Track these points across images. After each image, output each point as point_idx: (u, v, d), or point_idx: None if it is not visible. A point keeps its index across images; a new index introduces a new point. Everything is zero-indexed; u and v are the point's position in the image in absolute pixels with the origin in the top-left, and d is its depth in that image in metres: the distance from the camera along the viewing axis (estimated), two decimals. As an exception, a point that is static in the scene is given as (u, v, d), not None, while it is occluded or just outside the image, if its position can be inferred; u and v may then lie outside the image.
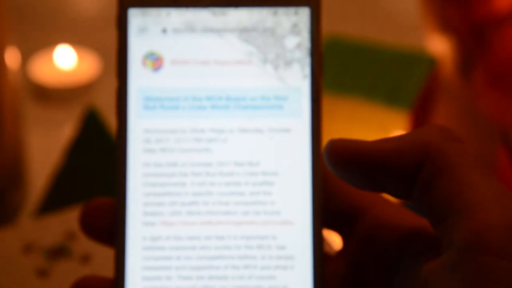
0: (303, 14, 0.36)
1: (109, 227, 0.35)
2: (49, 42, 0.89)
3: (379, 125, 0.69)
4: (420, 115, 0.72)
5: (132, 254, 0.35)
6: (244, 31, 0.36)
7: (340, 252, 0.35)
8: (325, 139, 0.69)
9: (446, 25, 0.74)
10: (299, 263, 0.34)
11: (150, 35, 0.36)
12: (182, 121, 0.35)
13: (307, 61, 0.35)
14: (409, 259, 0.32)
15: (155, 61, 0.36)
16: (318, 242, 0.35)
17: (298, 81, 0.35)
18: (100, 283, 0.35)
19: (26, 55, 0.86)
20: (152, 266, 0.35)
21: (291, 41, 0.36)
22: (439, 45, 0.76)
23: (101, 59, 0.88)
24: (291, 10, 0.36)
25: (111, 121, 0.64)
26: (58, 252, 0.51)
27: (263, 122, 0.35)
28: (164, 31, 0.36)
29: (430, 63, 0.72)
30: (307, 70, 0.35)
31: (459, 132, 0.79)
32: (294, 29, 0.36)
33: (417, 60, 0.72)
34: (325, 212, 0.35)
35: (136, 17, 0.36)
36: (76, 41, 0.90)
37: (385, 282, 0.33)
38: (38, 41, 0.90)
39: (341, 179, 0.33)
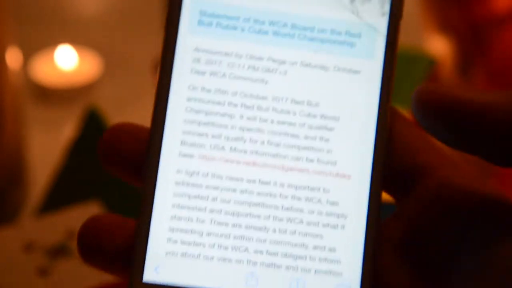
0: None
1: (136, 155, 0.30)
2: (50, 42, 0.89)
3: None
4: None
5: (163, 187, 0.30)
6: None
7: (394, 216, 0.31)
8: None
9: (446, 25, 0.74)
10: (351, 223, 0.30)
11: None
12: (239, 44, 0.31)
13: None
14: (483, 231, 0.28)
15: None
16: (376, 202, 0.30)
17: (375, 18, 0.31)
18: (116, 221, 0.30)
19: (27, 55, 0.86)
20: (184, 204, 0.30)
21: None
22: (438, 45, 0.76)
23: (102, 59, 0.88)
24: None
25: (113, 121, 0.64)
26: (59, 251, 0.51)
27: (329, 59, 0.31)
28: None
29: (430, 63, 0.72)
30: (387, 8, 0.32)
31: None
32: None
33: (417, 60, 0.72)
34: (386, 170, 0.31)
35: None
36: (77, 41, 0.90)
37: (450, 257, 0.29)
38: (39, 41, 0.90)
39: (427, 131, 0.28)
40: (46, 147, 0.76)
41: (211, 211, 0.30)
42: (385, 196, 0.31)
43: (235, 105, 0.31)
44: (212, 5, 0.32)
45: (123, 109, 0.79)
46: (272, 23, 0.32)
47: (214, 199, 0.31)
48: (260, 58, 0.31)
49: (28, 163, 0.70)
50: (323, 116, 0.31)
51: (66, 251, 0.51)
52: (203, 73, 0.31)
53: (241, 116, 0.31)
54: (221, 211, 0.30)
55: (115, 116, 0.68)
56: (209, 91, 0.31)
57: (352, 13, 0.32)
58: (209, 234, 0.30)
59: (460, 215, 0.29)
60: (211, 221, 0.30)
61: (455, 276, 0.28)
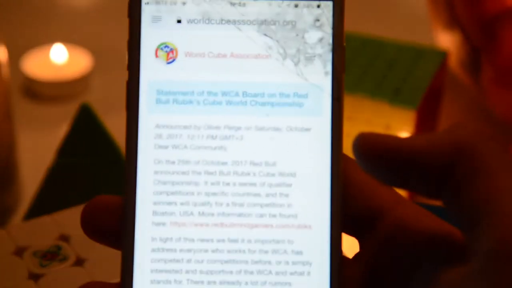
0: (326, 8, 0.35)
1: (114, 228, 0.34)
2: (41, 39, 0.89)
3: (384, 125, 0.68)
4: (427, 114, 0.72)
5: (140, 255, 0.34)
6: (263, 24, 0.35)
7: (357, 256, 0.34)
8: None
9: (454, 21, 0.74)
10: (316, 269, 0.34)
11: (164, 25, 0.35)
12: (196, 117, 0.34)
13: (329, 57, 0.34)
14: (430, 265, 0.32)
15: (168, 52, 0.35)
16: (336, 247, 0.34)
17: (319, 78, 0.34)
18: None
19: (18, 52, 0.86)
20: (161, 268, 0.34)
21: (313, 36, 0.35)
22: (446, 42, 0.76)
23: (92, 55, 0.88)
24: (313, 3, 0.35)
25: (105, 117, 0.63)
26: (52, 255, 0.51)
27: (281, 120, 0.34)
28: (179, 21, 0.35)
29: (438, 59, 0.72)
30: (329, 67, 0.35)
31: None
32: (316, 23, 0.35)
33: (425, 56, 0.72)
34: (344, 216, 0.34)
35: (150, 6, 0.35)
36: (67, 38, 0.90)
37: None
38: (30, 38, 0.90)
39: (368, 173, 0.32)
40: (37, 146, 0.76)
41: (187, 271, 0.34)
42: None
43: (199, 173, 0.34)
44: (167, 83, 0.34)
45: (114, 103, 0.79)
46: (224, 93, 0.34)
47: (189, 260, 0.34)
48: (217, 127, 0.34)
49: (18, 163, 0.70)
50: (281, 174, 0.34)
51: (59, 255, 0.51)
52: (166, 147, 0.34)
53: (206, 183, 0.34)
54: (196, 271, 0.34)
55: (106, 110, 0.68)
56: (173, 162, 0.34)
57: (297, 75, 0.35)
58: None
59: (411, 252, 0.32)
60: (188, 281, 0.34)
61: None
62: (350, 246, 0.36)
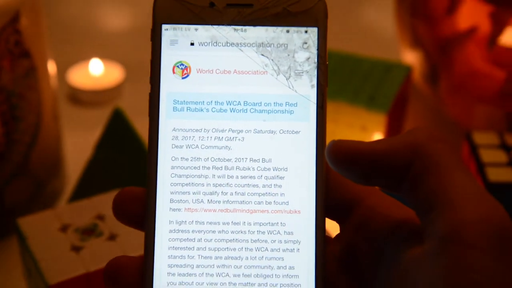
0: (312, 33, 0.35)
1: (139, 213, 0.34)
2: (82, 56, 0.89)
3: (361, 126, 0.68)
4: (396, 117, 0.72)
5: (160, 235, 0.34)
6: (261, 46, 0.35)
7: (337, 236, 0.35)
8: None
9: (417, 42, 0.74)
10: (304, 247, 0.34)
11: (180, 47, 0.35)
12: (205, 122, 0.35)
13: (314, 73, 0.35)
14: (394, 245, 0.32)
15: (183, 69, 0.35)
16: (321, 229, 0.34)
17: (307, 90, 0.35)
18: (130, 261, 0.34)
19: (65, 67, 0.86)
20: (177, 246, 0.34)
21: (301, 56, 0.35)
22: (411, 58, 0.76)
23: (124, 68, 0.88)
24: (302, 29, 0.35)
25: (134, 119, 0.63)
26: (90, 231, 0.51)
27: (275, 125, 0.35)
28: (192, 44, 0.35)
29: (404, 72, 0.72)
30: (314, 81, 0.35)
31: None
32: (304, 46, 0.35)
33: (393, 70, 0.72)
34: (326, 203, 0.34)
35: (169, 31, 0.35)
36: (103, 54, 0.90)
37: (373, 265, 0.32)
38: (73, 55, 0.90)
39: (340, 174, 0.32)
40: (80, 142, 0.76)
41: (198, 248, 0.34)
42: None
43: (208, 168, 0.34)
44: (182, 95, 0.35)
45: (141, 108, 0.79)
46: (229, 102, 0.35)
47: (199, 239, 0.34)
48: (223, 130, 0.34)
49: (64, 156, 0.70)
50: (275, 169, 0.34)
51: (96, 231, 0.51)
52: (181, 146, 0.34)
53: (213, 176, 0.34)
54: (205, 248, 0.34)
55: (135, 113, 0.68)
56: (187, 159, 0.34)
57: (289, 88, 0.35)
58: (198, 266, 0.34)
59: (380, 235, 0.32)
60: (199, 256, 0.34)
61: (376, 283, 0.32)
62: (333, 228, 0.36)
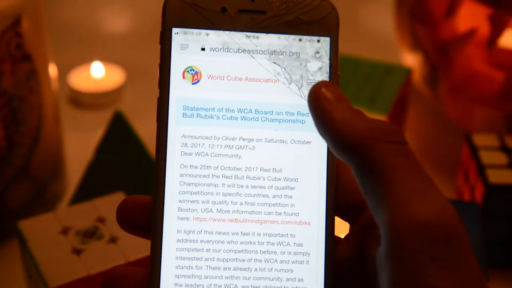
0: (324, 43, 0.34)
1: (143, 221, 0.33)
2: (83, 59, 0.89)
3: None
4: (396, 119, 0.71)
5: (167, 244, 0.33)
6: (273, 54, 0.34)
7: (346, 236, 0.34)
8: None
9: (417, 44, 0.74)
10: (313, 258, 0.33)
11: (190, 52, 0.34)
12: (215, 129, 0.33)
13: None
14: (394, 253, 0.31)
15: (194, 75, 0.34)
16: (330, 241, 0.33)
17: None
18: (129, 272, 0.33)
19: (66, 69, 0.86)
20: (185, 256, 0.33)
21: (314, 65, 0.34)
22: (411, 60, 0.76)
23: (124, 71, 0.88)
24: (314, 38, 0.34)
25: (135, 122, 0.63)
26: (91, 234, 0.51)
27: (287, 134, 0.34)
28: (203, 49, 0.34)
29: (404, 75, 0.72)
30: None
31: (428, 132, 0.79)
32: (317, 55, 0.34)
33: (393, 72, 0.72)
34: (335, 214, 0.34)
35: (179, 35, 0.34)
36: (104, 57, 0.90)
37: (375, 267, 0.32)
38: (74, 58, 0.90)
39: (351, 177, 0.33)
40: (81, 144, 0.76)
41: (206, 259, 0.33)
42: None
43: (218, 177, 0.33)
44: (192, 101, 0.33)
45: (141, 111, 0.79)
46: (240, 110, 0.34)
47: (208, 250, 0.33)
48: (233, 139, 0.33)
49: (65, 159, 0.70)
50: (285, 179, 0.33)
51: (97, 234, 0.51)
52: (190, 154, 0.33)
53: (223, 185, 0.33)
54: (213, 258, 0.33)
55: (135, 116, 0.68)
56: (196, 167, 0.33)
57: (300, 97, 0.34)
58: (206, 277, 0.33)
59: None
60: (207, 267, 0.33)
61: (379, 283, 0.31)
62: (345, 229, 0.36)
